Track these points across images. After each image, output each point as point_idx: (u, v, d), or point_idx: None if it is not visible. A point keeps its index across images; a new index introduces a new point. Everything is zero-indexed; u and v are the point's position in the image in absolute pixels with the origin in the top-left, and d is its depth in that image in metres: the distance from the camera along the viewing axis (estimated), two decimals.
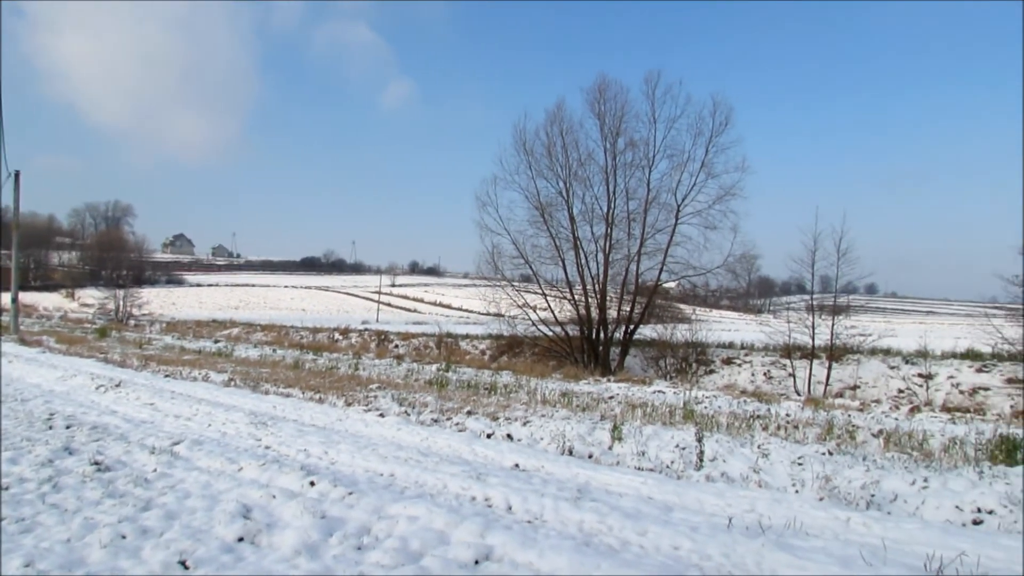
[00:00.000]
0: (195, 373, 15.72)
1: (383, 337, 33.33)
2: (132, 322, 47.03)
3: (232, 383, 14.12)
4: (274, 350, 25.20)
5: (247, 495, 5.56)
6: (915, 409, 13.04)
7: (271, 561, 4.25)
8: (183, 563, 4.16)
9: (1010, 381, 18.45)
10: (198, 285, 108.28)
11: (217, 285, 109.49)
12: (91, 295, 62.24)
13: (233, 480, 6.10)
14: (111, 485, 5.77)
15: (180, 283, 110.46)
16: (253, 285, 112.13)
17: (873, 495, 6.09)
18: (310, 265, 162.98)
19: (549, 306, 25.67)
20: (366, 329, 38.16)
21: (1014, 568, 4.30)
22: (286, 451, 7.71)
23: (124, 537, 4.54)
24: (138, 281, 76.59)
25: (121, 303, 50.43)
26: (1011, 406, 16.45)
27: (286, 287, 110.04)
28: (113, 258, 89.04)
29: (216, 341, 30.07)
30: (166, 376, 15.32)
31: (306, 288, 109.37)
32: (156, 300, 69.30)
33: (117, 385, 12.80)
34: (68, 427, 8.41)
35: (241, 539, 4.61)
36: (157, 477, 6.18)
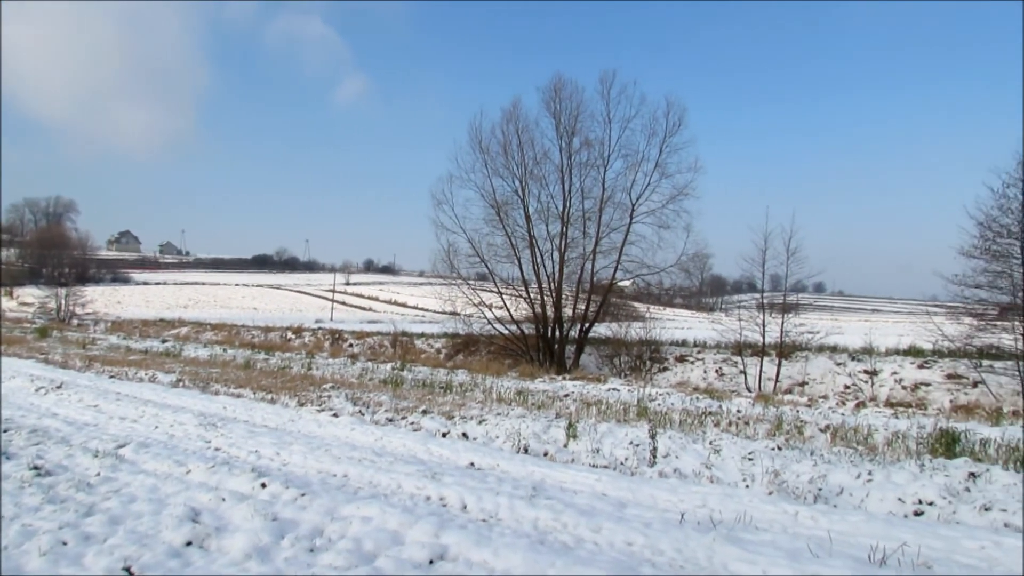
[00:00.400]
0: (142, 374, 15.36)
1: (337, 336, 32.95)
2: (75, 322, 45.72)
3: (181, 384, 13.83)
4: (224, 350, 24.75)
5: (196, 498, 5.43)
6: (860, 404, 13.39)
7: (220, 565, 4.16)
8: (128, 569, 4.05)
9: (950, 376, 19.06)
10: (145, 283, 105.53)
11: (165, 283, 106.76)
12: (31, 294, 60.32)
13: (181, 483, 5.96)
14: (51, 490, 5.58)
15: (126, 281, 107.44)
16: (203, 283, 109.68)
17: (820, 489, 6.23)
18: (262, 263, 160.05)
19: (505, 304, 25.67)
20: (320, 328, 37.66)
21: (953, 556, 4.43)
22: (237, 453, 7.57)
23: (65, 544, 4.40)
24: (81, 279, 74.15)
25: (63, 302, 48.95)
26: (951, 400, 16.99)
27: (237, 285, 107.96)
28: (55, 255, 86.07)
29: (164, 341, 29.42)
30: (111, 377, 14.94)
31: (258, 286, 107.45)
32: (101, 299, 67.29)
33: (58, 387, 12.43)
34: (6, 431, 8.12)
35: (189, 543, 4.50)
36: (101, 481, 6.00)
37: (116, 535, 4.59)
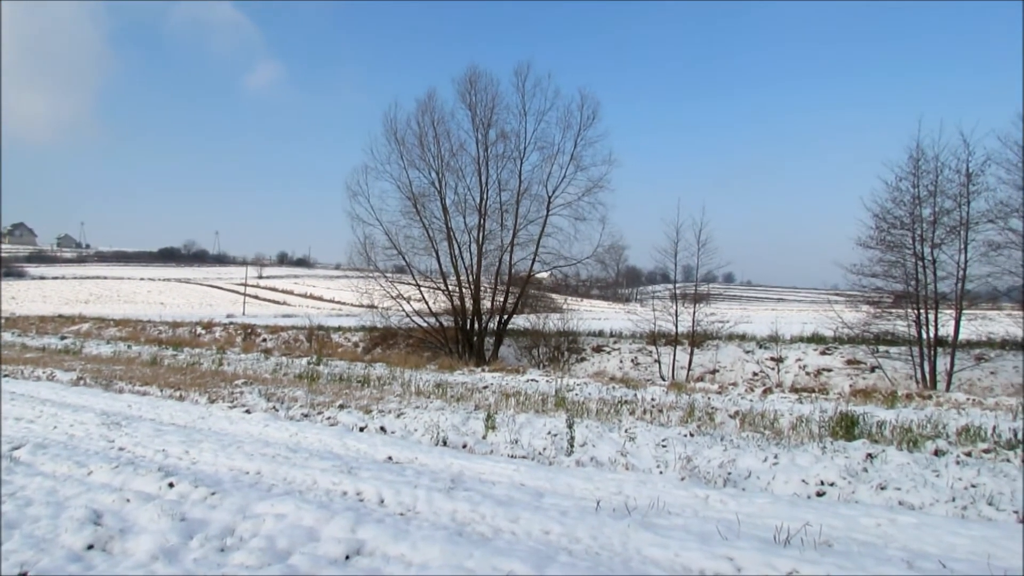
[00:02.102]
0: (39, 372, 14.62)
1: (250, 331, 32.05)
2: None
3: (81, 382, 13.22)
4: (129, 346, 23.79)
5: (98, 500, 5.19)
6: (768, 391, 13.91)
7: (125, 568, 3.99)
8: (24, 575, 3.83)
9: (850, 362, 20.06)
10: (42, 278, 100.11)
11: (64, 278, 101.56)
12: None
13: (82, 485, 5.68)
14: None
15: (20, 276, 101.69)
16: (105, 277, 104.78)
17: (730, 473, 6.46)
18: (169, 256, 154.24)
19: (423, 297, 25.49)
20: (231, 323, 36.56)
21: (852, 534, 4.67)
22: (142, 452, 7.28)
23: None
24: None
25: None
26: (850, 385, 17.82)
27: (142, 280, 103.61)
28: None
29: (63, 337, 28.04)
30: (5, 376, 14.14)
31: (165, 280, 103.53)
32: None
33: None
34: None
35: (91, 547, 4.30)
36: None
37: (11, 540, 4.34)
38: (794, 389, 14.97)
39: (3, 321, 40.12)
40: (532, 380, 15.05)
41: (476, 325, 25.35)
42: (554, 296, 33.35)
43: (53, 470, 6.28)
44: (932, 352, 17.69)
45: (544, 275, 28.75)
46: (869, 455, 6.70)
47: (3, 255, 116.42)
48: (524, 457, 7.39)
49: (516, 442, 7.89)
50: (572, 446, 7.59)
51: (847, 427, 8.41)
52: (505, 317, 25.63)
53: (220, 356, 19.51)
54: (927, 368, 17.69)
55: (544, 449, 7.61)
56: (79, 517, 4.71)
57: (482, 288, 25.87)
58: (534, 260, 25.62)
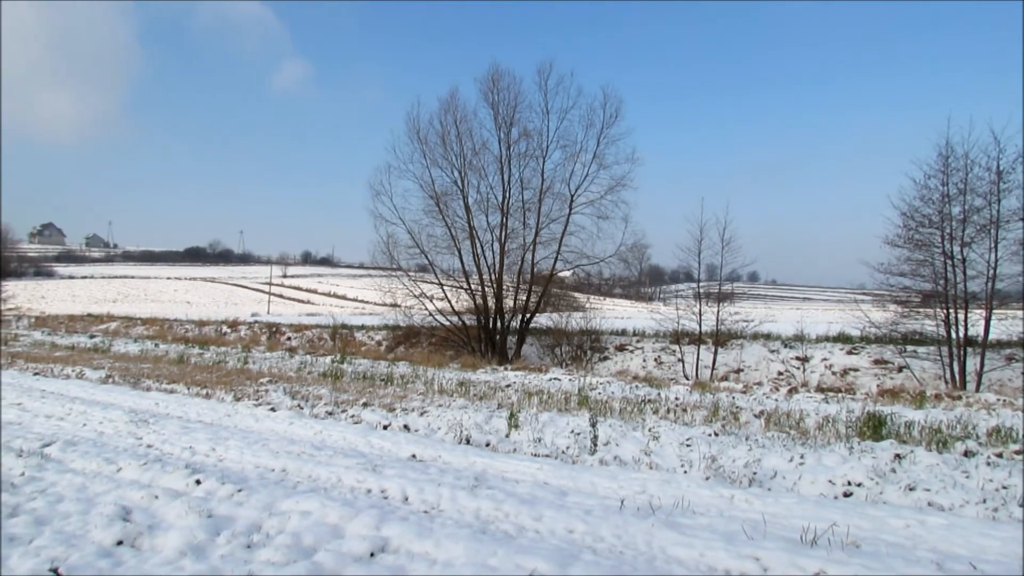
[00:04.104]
0: (68, 370, 14.83)
1: (275, 330, 32.34)
2: None
3: (110, 380, 13.40)
4: (156, 344, 24.08)
5: (127, 496, 5.27)
6: (793, 390, 13.78)
7: (153, 564, 4.04)
8: (55, 570, 3.89)
9: (877, 362, 19.80)
10: (71, 277, 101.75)
11: (92, 277, 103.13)
12: None
13: (111, 481, 5.76)
14: None
15: (50, 275, 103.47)
16: (132, 277, 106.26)
17: (755, 473, 6.40)
18: (195, 255, 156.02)
19: (446, 296, 25.53)
20: (256, 322, 36.89)
21: (880, 535, 4.61)
22: (170, 449, 7.37)
23: None
24: (1, 274, 71.11)
25: None
26: (878, 385, 17.62)
27: (169, 279, 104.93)
28: None
29: (92, 336, 28.43)
30: (35, 374, 14.38)
31: (191, 279, 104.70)
32: (23, 294, 64.84)
33: None
34: None
35: (120, 543, 4.36)
36: (25, 481, 5.76)
37: (42, 536, 4.42)
38: (820, 389, 14.82)
39: (32, 320, 40.80)
40: (555, 379, 15.03)
41: (498, 324, 25.35)
42: (576, 295, 33.29)
43: (83, 467, 6.37)
44: (962, 352, 17.40)
45: (566, 274, 28.72)
46: (897, 455, 6.62)
47: (33, 255, 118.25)
48: (547, 456, 7.38)
49: (539, 440, 7.88)
50: (595, 445, 7.57)
51: (875, 427, 8.30)
52: (527, 316, 25.60)
53: (245, 354, 19.70)
54: (956, 368, 17.39)
55: (567, 448, 7.59)
56: (108, 513, 4.78)
57: (504, 287, 25.85)
58: (556, 259, 25.58)
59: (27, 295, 66.61)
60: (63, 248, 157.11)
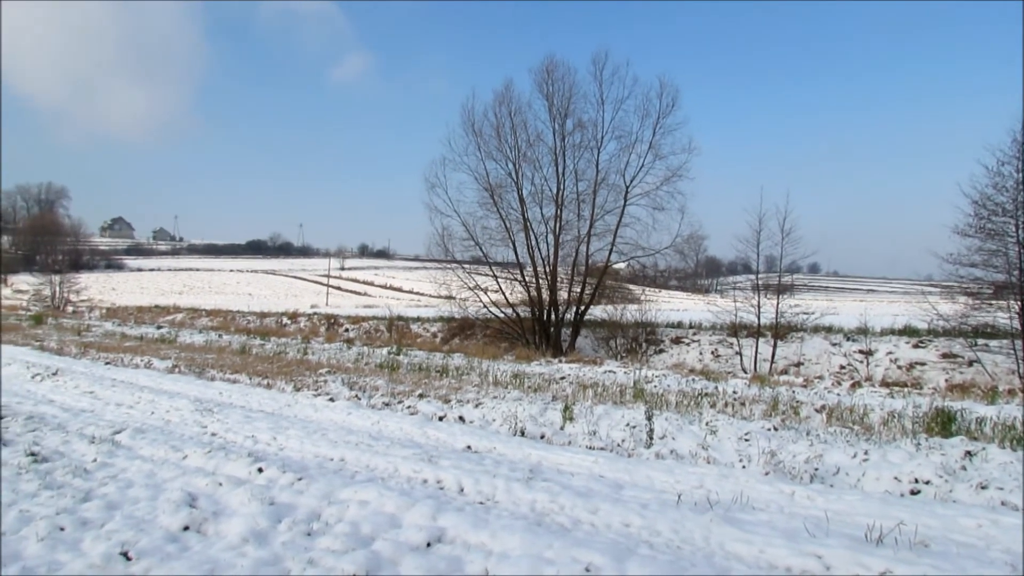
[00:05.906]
0: (137, 360, 15.33)
1: (333, 321, 32.90)
2: (70, 308, 45.60)
3: (176, 369, 13.81)
4: (220, 335, 24.72)
5: (192, 483, 5.43)
6: (856, 384, 13.43)
7: (218, 550, 4.16)
8: (125, 554, 4.03)
9: (945, 356, 19.13)
10: (139, 270, 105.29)
11: (159, 269, 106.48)
12: (25, 281, 59.94)
13: (178, 468, 5.95)
14: (48, 476, 5.56)
15: (120, 268, 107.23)
16: (197, 269, 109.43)
17: (816, 469, 6.25)
18: (256, 248, 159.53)
19: (500, 288, 25.61)
20: (315, 313, 37.59)
21: (950, 535, 4.45)
22: (233, 438, 7.56)
23: (62, 529, 4.39)
24: (75, 266, 74.10)
25: (57, 289, 48.84)
26: (946, 380, 17.06)
27: (231, 271, 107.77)
28: (48, 243, 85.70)
29: (159, 327, 29.36)
30: (107, 363, 14.91)
31: (252, 272, 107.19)
32: (95, 286, 67.21)
33: (54, 373, 12.40)
34: (2, 417, 8.09)
35: (186, 528, 4.50)
36: (97, 467, 5.99)
37: (113, 520, 4.59)
38: (884, 383, 14.42)
39: (103, 311, 42.34)
40: (609, 371, 14.94)
41: (553, 316, 25.31)
42: (631, 287, 33.06)
43: (151, 454, 6.59)
44: None
45: (621, 265, 28.47)
46: (968, 453, 6.37)
47: (104, 248, 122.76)
48: (602, 448, 7.34)
49: (594, 433, 7.84)
50: (651, 438, 7.50)
51: (943, 423, 8.02)
52: (582, 308, 25.48)
53: (305, 345, 20.09)
54: None
55: (622, 441, 7.54)
56: (175, 499, 4.93)
57: (559, 279, 25.80)
58: (611, 250, 25.39)
59: (98, 287, 69.12)
60: (132, 241, 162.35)
